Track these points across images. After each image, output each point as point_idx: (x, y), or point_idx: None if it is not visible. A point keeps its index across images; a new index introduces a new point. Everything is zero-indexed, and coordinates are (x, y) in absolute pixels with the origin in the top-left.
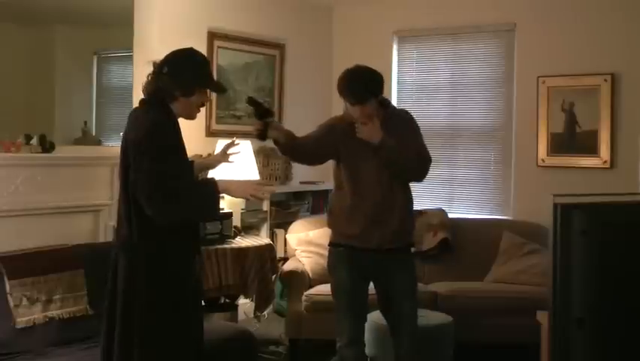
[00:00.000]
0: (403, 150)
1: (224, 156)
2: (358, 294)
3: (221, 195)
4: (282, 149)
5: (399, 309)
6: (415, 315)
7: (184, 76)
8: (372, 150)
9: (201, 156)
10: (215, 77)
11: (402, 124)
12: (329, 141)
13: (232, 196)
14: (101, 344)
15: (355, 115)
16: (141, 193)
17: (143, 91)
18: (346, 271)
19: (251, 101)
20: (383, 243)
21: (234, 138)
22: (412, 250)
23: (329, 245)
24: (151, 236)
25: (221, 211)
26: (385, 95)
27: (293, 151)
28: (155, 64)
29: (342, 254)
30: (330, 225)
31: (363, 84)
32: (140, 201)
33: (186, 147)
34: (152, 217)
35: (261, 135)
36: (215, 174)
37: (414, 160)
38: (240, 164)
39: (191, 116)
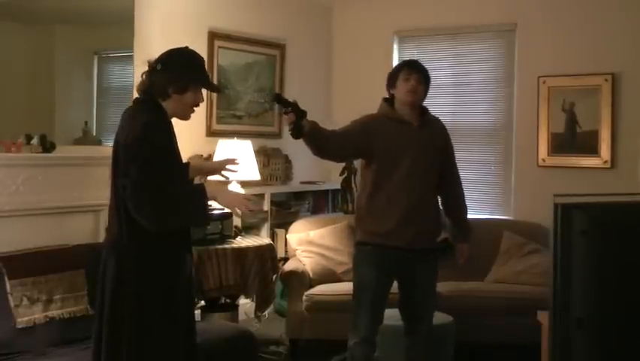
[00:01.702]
0: (467, 219)
1: (220, 168)
2: (380, 292)
3: (209, 201)
4: (308, 137)
5: (417, 309)
6: (431, 317)
7: (178, 72)
8: None
9: (201, 156)
10: (215, 77)
11: (441, 132)
12: (362, 138)
13: (219, 204)
14: (93, 346)
15: (407, 87)
16: (129, 201)
17: (137, 90)
18: (371, 268)
19: (278, 99)
20: (415, 241)
21: (236, 159)
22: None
23: (356, 244)
24: (140, 236)
25: (220, 210)
26: (385, 94)
27: (319, 140)
28: (150, 62)
29: (369, 253)
30: (357, 224)
31: (424, 67)
32: (128, 208)
33: (187, 146)
34: (140, 223)
35: (296, 133)
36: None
37: (465, 200)
38: (240, 164)
39: (184, 116)
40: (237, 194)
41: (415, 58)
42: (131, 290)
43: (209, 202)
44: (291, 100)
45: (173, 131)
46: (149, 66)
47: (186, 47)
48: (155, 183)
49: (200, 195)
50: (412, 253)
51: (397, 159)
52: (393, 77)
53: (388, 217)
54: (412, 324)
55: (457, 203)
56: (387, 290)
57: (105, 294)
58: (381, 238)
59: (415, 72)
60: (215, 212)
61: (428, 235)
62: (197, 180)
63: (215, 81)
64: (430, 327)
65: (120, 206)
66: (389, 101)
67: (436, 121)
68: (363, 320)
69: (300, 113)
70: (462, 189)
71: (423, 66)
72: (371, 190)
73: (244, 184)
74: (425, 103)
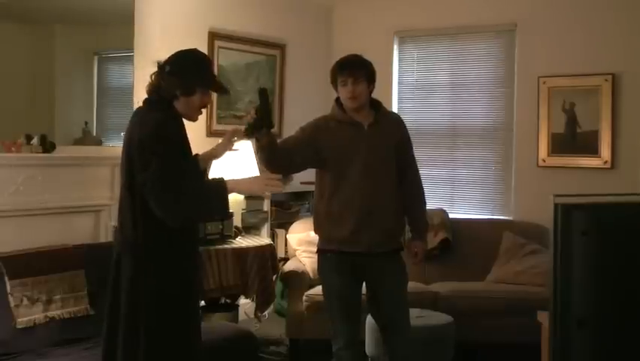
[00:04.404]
0: (424, 216)
1: (228, 144)
2: (351, 298)
3: (230, 193)
4: (262, 148)
5: (388, 311)
6: (406, 318)
7: (186, 75)
8: None
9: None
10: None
11: (395, 128)
12: (310, 149)
13: (242, 194)
14: (103, 346)
15: (345, 94)
16: (150, 195)
17: (147, 91)
18: (337, 276)
19: (264, 94)
20: (372, 246)
21: (235, 127)
22: (401, 253)
23: (317, 252)
24: (155, 235)
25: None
26: (385, 95)
27: (272, 152)
28: (159, 63)
29: (332, 260)
30: (317, 231)
31: (358, 60)
32: (149, 203)
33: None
34: (162, 218)
35: (250, 133)
36: (217, 171)
37: (423, 196)
38: (240, 164)
39: (191, 117)
40: (257, 178)
41: (415, 58)
42: (147, 290)
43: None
44: (269, 106)
45: (184, 129)
46: (157, 67)
47: (194, 49)
48: (175, 177)
49: (222, 188)
50: (372, 256)
51: (349, 162)
52: (333, 81)
53: (345, 222)
54: (386, 328)
55: (413, 201)
56: (357, 293)
57: (118, 294)
58: (340, 245)
59: (349, 75)
60: None
61: (388, 236)
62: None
63: None
64: (406, 329)
65: (135, 206)
66: (340, 101)
67: (390, 117)
68: (340, 326)
69: (267, 124)
70: (420, 186)
71: (359, 62)
72: (327, 196)
73: None
74: (426, 103)
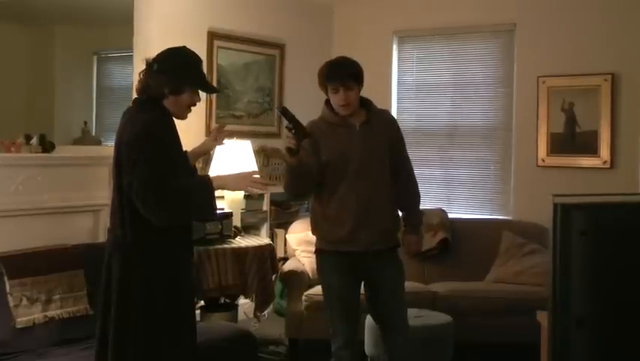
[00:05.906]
0: (419, 211)
1: (216, 140)
2: (350, 298)
3: (217, 191)
4: (295, 172)
5: (387, 310)
6: (404, 317)
7: (174, 73)
8: None
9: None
10: (214, 77)
11: (387, 126)
12: (314, 148)
13: (229, 190)
14: (96, 348)
15: (337, 102)
16: (136, 197)
17: (136, 90)
18: (335, 275)
19: (284, 112)
20: (369, 244)
21: (223, 124)
22: (398, 250)
23: (315, 252)
24: (144, 235)
25: (220, 210)
26: (385, 95)
27: (298, 177)
28: (147, 61)
29: (329, 260)
30: (314, 232)
31: (347, 66)
32: (135, 205)
33: (186, 146)
34: (148, 218)
35: (294, 152)
36: (214, 170)
37: (419, 197)
38: (240, 164)
39: (181, 116)
40: (244, 175)
41: (415, 58)
42: (136, 290)
43: (220, 192)
44: (295, 117)
45: (175, 127)
46: (146, 65)
47: (184, 47)
48: (160, 178)
49: (207, 187)
50: (369, 255)
51: (345, 162)
52: (321, 85)
53: (341, 223)
54: (385, 326)
55: (408, 201)
56: (356, 293)
57: (110, 294)
58: (337, 245)
59: (340, 84)
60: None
61: (384, 235)
62: (199, 167)
63: (214, 81)
64: (405, 327)
65: (124, 206)
66: (330, 103)
67: (382, 116)
68: (340, 326)
69: (303, 135)
70: (415, 185)
71: (348, 67)
72: (324, 197)
73: None
74: (425, 103)
